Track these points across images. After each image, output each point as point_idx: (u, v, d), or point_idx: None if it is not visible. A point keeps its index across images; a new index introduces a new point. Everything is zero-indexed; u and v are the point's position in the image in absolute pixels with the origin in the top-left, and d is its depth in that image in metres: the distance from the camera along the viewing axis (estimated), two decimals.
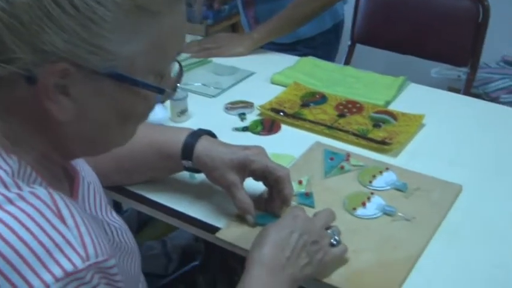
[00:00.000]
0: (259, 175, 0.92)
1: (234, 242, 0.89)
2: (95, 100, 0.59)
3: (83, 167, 0.77)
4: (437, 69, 2.33)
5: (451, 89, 1.73)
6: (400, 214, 0.92)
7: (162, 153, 0.95)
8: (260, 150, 0.92)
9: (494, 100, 2.20)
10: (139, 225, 1.75)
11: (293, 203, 0.96)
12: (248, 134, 1.16)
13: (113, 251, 0.61)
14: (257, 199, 0.94)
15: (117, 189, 0.99)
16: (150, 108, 0.66)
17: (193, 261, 1.56)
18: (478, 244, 0.89)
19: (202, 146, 0.91)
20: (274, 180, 0.91)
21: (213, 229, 0.91)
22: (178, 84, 0.69)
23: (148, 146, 0.95)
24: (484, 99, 1.49)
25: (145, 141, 0.95)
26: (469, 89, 1.73)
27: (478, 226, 0.93)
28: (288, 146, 1.10)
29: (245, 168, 0.91)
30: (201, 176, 0.95)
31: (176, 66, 0.69)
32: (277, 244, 0.79)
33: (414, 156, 1.09)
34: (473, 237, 0.91)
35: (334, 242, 0.83)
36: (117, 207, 1.66)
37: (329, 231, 0.84)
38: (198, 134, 0.94)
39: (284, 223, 0.81)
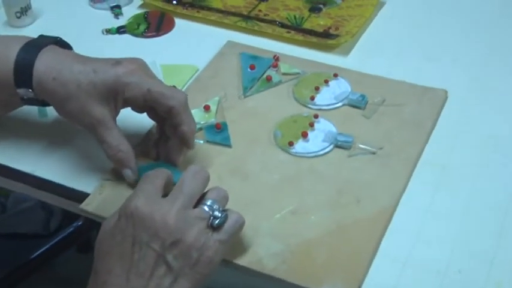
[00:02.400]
0: (140, 105, 0.73)
1: (107, 215, 0.69)
2: None
3: None
4: None
5: None
6: (361, 145, 0.77)
7: None
8: (138, 65, 0.73)
9: None
10: None
11: (199, 141, 0.79)
12: (126, 37, 0.99)
13: None
14: (143, 142, 0.79)
15: None
16: None
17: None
18: (478, 178, 0.74)
19: (45, 63, 0.72)
20: (164, 112, 0.71)
21: (78, 196, 0.75)
22: None
23: None
24: None
25: None
26: None
27: (473, 150, 0.78)
28: (187, 51, 0.95)
29: (116, 96, 0.72)
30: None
31: None
32: (117, 275, 0.60)
33: (373, 53, 0.92)
34: (469, 168, 0.76)
35: (217, 221, 0.62)
36: None
37: (202, 206, 0.63)
38: (38, 45, 0.74)
39: (116, 232, 0.61)
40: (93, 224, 1.18)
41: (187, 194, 0.62)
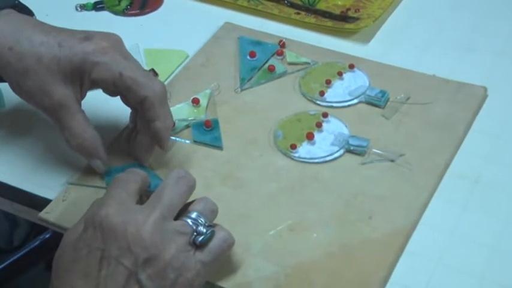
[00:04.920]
0: (111, 90, 0.76)
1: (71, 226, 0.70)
2: None
3: None
4: None
5: None
6: (377, 151, 0.78)
7: None
8: (111, 42, 0.75)
9: None
10: None
11: (185, 141, 0.82)
12: (105, 14, 1.02)
13: None
14: (119, 138, 0.82)
15: None
16: None
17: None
18: None
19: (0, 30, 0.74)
20: (136, 102, 0.74)
21: (37, 203, 0.77)
22: None
23: None
24: None
25: None
26: None
27: None
28: (177, 33, 0.98)
29: (83, 77, 0.74)
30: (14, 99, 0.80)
31: None
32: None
33: (399, 40, 0.95)
34: (507, 184, 0.76)
35: (201, 238, 0.64)
36: None
37: (185, 219, 0.65)
38: None
39: (81, 245, 0.63)
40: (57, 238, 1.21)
41: (167, 204, 0.64)
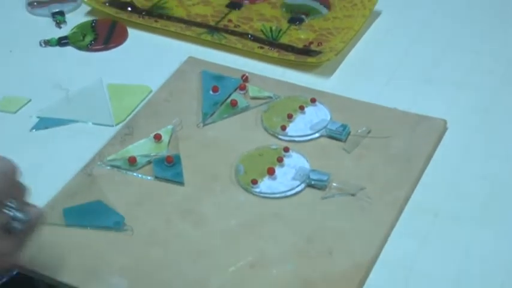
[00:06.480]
0: None
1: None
2: None
3: None
4: None
5: None
6: (338, 185, 0.78)
7: None
8: None
9: None
10: None
11: (146, 177, 0.82)
12: (69, 50, 1.03)
13: None
14: None
15: None
16: None
17: None
18: (478, 230, 0.75)
19: None
20: None
21: None
22: None
23: None
24: None
25: None
26: None
27: (474, 195, 0.78)
28: (140, 68, 0.98)
29: None
30: None
31: None
32: None
33: (361, 74, 0.96)
34: (468, 217, 0.76)
35: (16, 225, 0.60)
36: None
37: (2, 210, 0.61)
38: None
39: None
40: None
41: None
